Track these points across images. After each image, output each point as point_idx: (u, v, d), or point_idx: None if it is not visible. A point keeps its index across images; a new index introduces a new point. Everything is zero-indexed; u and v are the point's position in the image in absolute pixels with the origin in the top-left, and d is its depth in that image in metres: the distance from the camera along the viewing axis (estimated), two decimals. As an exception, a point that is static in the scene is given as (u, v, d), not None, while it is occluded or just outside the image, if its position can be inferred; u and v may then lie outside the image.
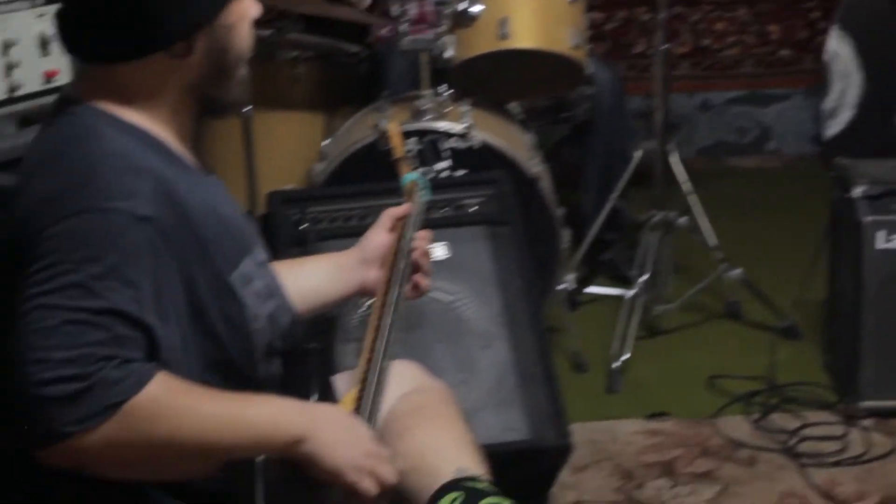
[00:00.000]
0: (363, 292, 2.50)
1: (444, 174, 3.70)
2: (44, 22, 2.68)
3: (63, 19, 2.00)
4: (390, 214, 2.53)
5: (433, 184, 3.33)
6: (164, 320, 1.87)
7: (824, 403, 3.72)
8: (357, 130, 3.89)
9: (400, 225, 2.49)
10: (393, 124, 2.82)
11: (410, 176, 2.69)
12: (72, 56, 2.04)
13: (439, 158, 3.19)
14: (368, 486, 1.95)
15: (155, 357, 1.84)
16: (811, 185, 5.47)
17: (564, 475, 3.29)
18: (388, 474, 1.98)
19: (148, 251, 1.86)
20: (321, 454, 1.91)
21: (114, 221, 1.84)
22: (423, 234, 2.54)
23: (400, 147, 2.82)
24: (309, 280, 2.43)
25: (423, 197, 2.63)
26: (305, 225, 3.28)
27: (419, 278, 2.51)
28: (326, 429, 1.93)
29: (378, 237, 2.49)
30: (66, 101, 2.04)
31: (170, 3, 1.95)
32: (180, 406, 1.82)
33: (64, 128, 1.99)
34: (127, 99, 1.99)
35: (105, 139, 1.94)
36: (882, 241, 3.59)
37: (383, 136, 2.67)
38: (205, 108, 2.10)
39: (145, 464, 1.84)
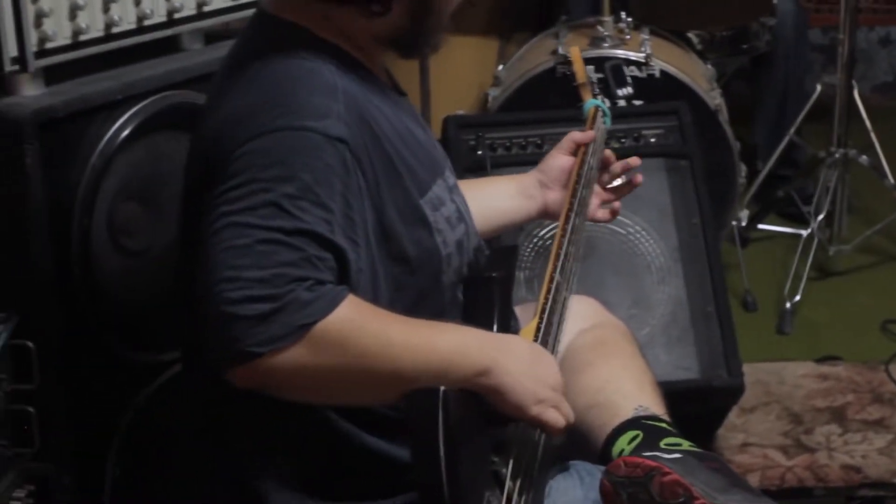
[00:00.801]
0: (544, 215, 2.47)
1: (624, 102, 3.64)
2: (232, -65, 2.67)
3: None
4: (572, 138, 2.49)
5: (612, 112, 3.28)
6: (354, 243, 1.84)
7: None
8: (533, 56, 3.84)
9: (581, 151, 2.45)
10: (575, 49, 2.76)
11: (592, 102, 2.63)
12: None
13: (624, 84, 3.12)
14: (552, 421, 1.91)
15: (345, 280, 1.81)
16: None
17: (732, 416, 3.25)
18: (570, 411, 1.95)
19: (340, 172, 1.83)
20: (506, 387, 1.88)
21: (307, 141, 1.81)
22: (609, 153, 2.51)
23: (582, 72, 2.76)
24: (491, 201, 2.41)
25: (604, 124, 2.58)
26: (482, 151, 3.25)
27: (615, 203, 2.50)
28: (514, 361, 1.89)
29: (558, 160, 2.46)
30: (261, 16, 2.01)
31: None
32: (370, 329, 1.79)
33: (258, 44, 1.96)
34: (323, 20, 1.95)
35: (299, 56, 1.91)
36: None
37: (565, 61, 2.62)
38: (397, 50, 2.04)
39: (331, 387, 1.81)
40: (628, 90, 2.76)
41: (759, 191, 4.26)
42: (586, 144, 2.45)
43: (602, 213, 2.51)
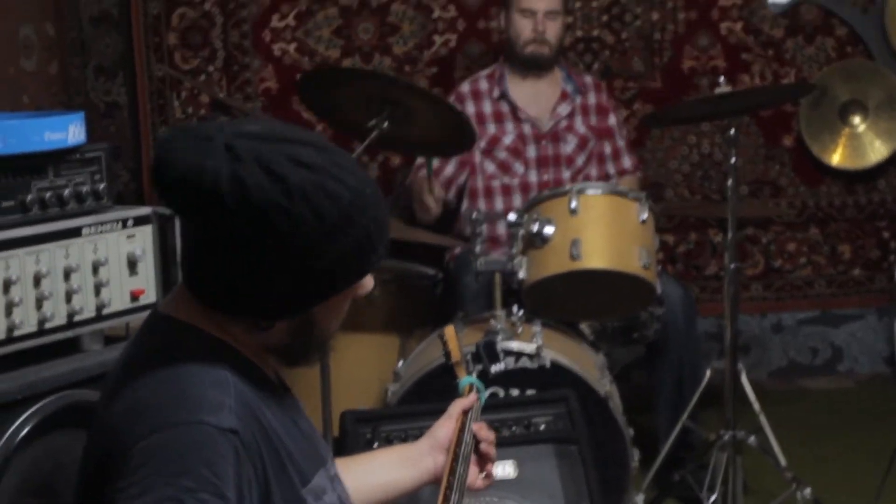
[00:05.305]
0: (434, 480, 2.50)
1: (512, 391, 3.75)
2: (133, 243, 2.82)
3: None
4: (459, 406, 2.58)
5: (502, 403, 3.41)
6: (243, 531, 1.92)
7: None
8: (430, 351, 3.97)
9: (459, 420, 2.54)
10: (449, 328, 2.89)
11: (467, 379, 2.75)
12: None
13: (496, 360, 3.25)
14: None
15: None
16: (885, 405, 5.48)
17: None
18: None
19: (233, 462, 1.91)
20: None
21: (203, 434, 1.90)
22: (483, 425, 2.59)
23: (456, 351, 2.88)
24: (380, 472, 2.48)
25: (480, 400, 2.68)
26: (378, 444, 3.34)
27: (489, 467, 2.55)
28: None
29: (448, 427, 2.53)
30: (156, 316, 2.12)
31: (263, 288, 1.98)
32: None
33: (153, 342, 2.06)
34: (214, 323, 2.06)
35: (193, 354, 2.01)
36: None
37: (441, 341, 2.78)
38: (280, 361, 2.15)
39: None
40: (501, 366, 2.89)
41: (658, 475, 4.36)
42: (465, 414, 2.56)
43: (480, 482, 2.54)
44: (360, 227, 1.99)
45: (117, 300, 2.77)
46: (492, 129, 4.85)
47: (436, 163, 4.72)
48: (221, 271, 1.98)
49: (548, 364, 3.82)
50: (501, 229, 4.68)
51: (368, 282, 2.10)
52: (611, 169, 4.97)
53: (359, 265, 2.03)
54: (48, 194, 2.70)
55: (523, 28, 4.80)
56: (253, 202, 1.91)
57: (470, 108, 4.84)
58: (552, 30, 4.81)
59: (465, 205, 4.84)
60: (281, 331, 2.06)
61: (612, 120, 5.02)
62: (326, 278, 2.00)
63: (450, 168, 4.83)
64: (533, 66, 4.86)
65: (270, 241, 1.93)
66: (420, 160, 4.81)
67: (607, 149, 4.98)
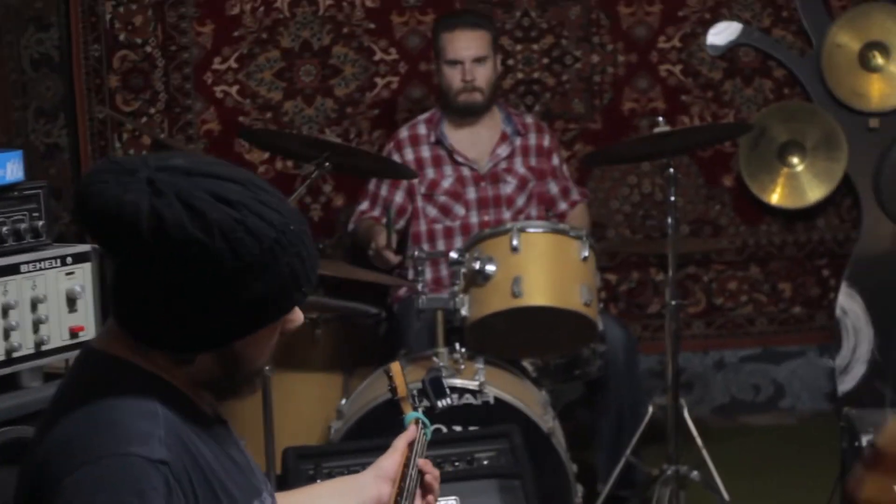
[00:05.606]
0: None
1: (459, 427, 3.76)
2: (72, 280, 2.81)
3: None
4: (404, 439, 2.57)
5: (445, 439, 3.41)
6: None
7: None
8: (373, 389, 3.98)
9: (405, 454, 2.54)
10: (395, 364, 2.90)
11: (413, 414, 2.75)
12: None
13: (443, 395, 3.24)
14: None
15: None
16: (826, 441, 5.50)
17: None
18: None
19: (164, 494, 1.91)
20: None
21: (132, 466, 1.89)
22: (428, 462, 2.59)
23: (402, 386, 2.89)
24: (323, 502, 2.47)
25: (425, 435, 2.69)
26: (320, 480, 3.34)
27: (430, 498, 2.54)
28: None
29: (394, 459, 2.51)
30: (89, 351, 2.11)
31: (182, 322, 1.97)
32: None
33: (85, 376, 2.06)
34: (146, 357, 2.05)
35: (122, 387, 2.00)
36: (890, 489, 3.60)
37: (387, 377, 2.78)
38: (211, 394, 2.14)
39: None
40: (447, 401, 2.91)
41: (600, 512, 4.38)
42: (409, 448, 2.55)
43: None
44: (284, 265, 1.98)
45: (56, 337, 2.77)
46: (431, 173, 4.88)
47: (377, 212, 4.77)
48: (141, 304, 1.98)
49: (491, 400, 3.84)
50: (444, 272, 4.69)
51: (297, 316, 2.10)
52: (562, 206, 5.01)
53: (281, 302, 2.02)
54: (-14, 231, 2.70)
55: (452, 78, 4.83)
56: (171, 238, 1.91)
57: (409, 155, 4.88)
58: (482, 76, 4.83)
59: (408, 248, 4.86)
60: (207, 364, 2.05)
61: (556, 160, 5.05)
62: (247, 314, 2.00)
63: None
64: (467, 114, 4.89)
65: (189, 277, 1.93)
66: (375, 212, 4.83)
67: (554, 189, 5.01)
